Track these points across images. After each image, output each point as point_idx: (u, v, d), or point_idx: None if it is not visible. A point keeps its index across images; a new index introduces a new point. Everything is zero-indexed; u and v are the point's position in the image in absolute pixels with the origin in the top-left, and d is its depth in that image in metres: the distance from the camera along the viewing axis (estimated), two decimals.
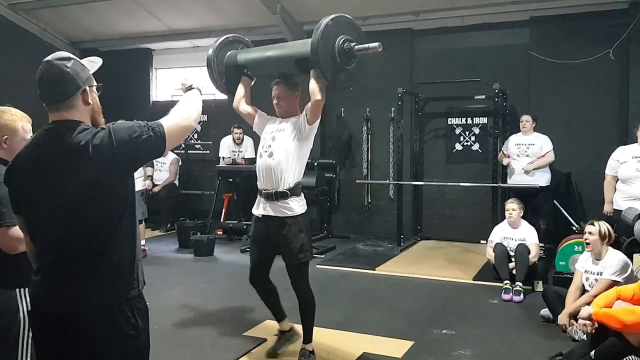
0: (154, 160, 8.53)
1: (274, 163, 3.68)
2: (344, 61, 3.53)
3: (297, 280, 3.78)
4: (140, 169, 7.46)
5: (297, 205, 3.72)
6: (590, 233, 4.29)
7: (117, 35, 9.80)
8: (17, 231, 2.32)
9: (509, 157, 6.96)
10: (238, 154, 8.64)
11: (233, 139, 8.64)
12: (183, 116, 2.13)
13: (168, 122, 2.04)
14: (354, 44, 3.51)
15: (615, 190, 5.50)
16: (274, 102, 3.85)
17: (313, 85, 3.57)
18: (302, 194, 3.81)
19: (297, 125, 3.71)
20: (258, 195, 3.84)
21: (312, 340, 3.84)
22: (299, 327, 3.92)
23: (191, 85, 2.32)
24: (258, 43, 9.49)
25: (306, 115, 3.68)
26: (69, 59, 2.02)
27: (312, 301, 3.81)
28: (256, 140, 8.65)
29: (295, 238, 3.68)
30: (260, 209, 3.80)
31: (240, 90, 4.04)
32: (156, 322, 3.96)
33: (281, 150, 3.69)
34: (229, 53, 4.02)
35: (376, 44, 3.43)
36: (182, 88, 2.34)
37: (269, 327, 4.26)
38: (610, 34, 7.11)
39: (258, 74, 4.11)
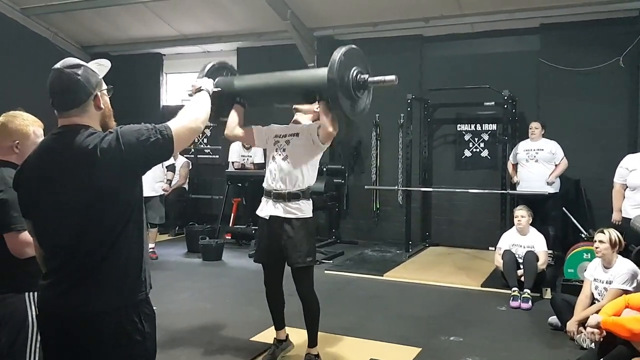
0: (173, 164, 8.61)
1: (290, 166, 3.70)
2: (358, 93, 3.50)
3: (303, 283, 3.77)
4: (161, 174, 7.51)
5: (307, 208, 3.74)
6: (600, 242, 4.27)
7: (128, 40, 9.89)
8: (26, 235, 2.34)
9: (516, 165, 6.95)
10: (247, 159, 8.66)
11: (242, 144, 8.66)
12: (191, 118, 2.14)
13: (176, 124, 2.06)
14: (367, 75, 3.48)
15: (624, 198, 5.47)
16: (294, 111, 3.90)
17: (324, 119, 3.56)
18: (311, 199, 3.83)
19: (310, 135, 3.72)
20: (264, 197, 3.82)
21: (316, 344, 3.85)
22: (297, 333, 3.92)
23: (200, 88, 2.33)
24: (268, 49, 9.60)
25: (318, 134, 3.67)
26: (79, 66, 2.03)
27: (317, 305, 3.81)
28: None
29: (303, 241, 3.69)
30: (267, 209, 3.77)
31: (234, 117, 3.88)
32: (164, 327, 3.98)
33: (297, 154, 3.72)
34: (218, 79, 3.76)
35: (392, 77, 3.38)
36: (191, 91, 2.36)
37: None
38: (620, 42, 7.09)
39: (254, 103, 4.03)
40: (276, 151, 3.79)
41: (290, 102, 3.96)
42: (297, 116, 3.96)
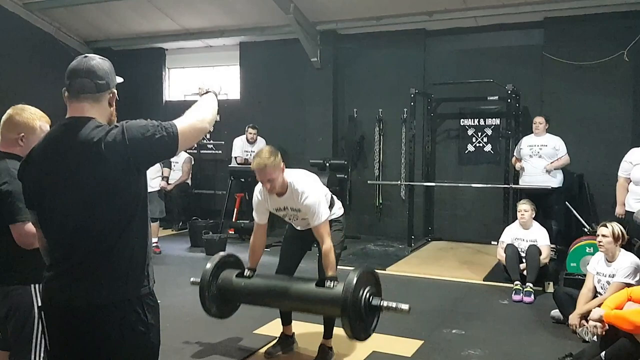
0: (169, 160, 8.58)
1: (307, 223, 3.73)
2: (369, 314, 3.43)
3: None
4: (158, 168, 7.52)
5: (337, 210, 3.96)
6: (603, 235, 4.27)
7: (131, 34, 9.89)
8: (32, 226, 2.35)
9: (520, 160, 6.95)
10: (251, 154, 8.67)
11: (247, 138, 8.67)
12: (197, 118, 2.14)
13: (182, 123, 2.06)
14: (380, 299, 3.44)
15: (628, 192, 5.46)
16: (267, 186, 3.58)
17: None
18: (339, 201, 4.05)
19: (308, 216, 3.67)
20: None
21: (332, 336, 3.89)
22: (303, 326, 3.93)
23: (207, 90, 2.34)
24: (271, 43, 9.59)
25: (314, 225, 3.64)
26: (106, 60, 2.11)
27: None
28: (269, 140, 8.71)
29: (334, 235, 3.78)
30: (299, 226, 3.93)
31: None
32: (167, 320, 3.99)
33: (307, 221, 3.72)
34: (223, 279, 3.82)
35: (406, 306, 3.33)
36: (198, 92, 2.36)
37: (280, 326, 4.28)
38: (625, 35, 7.07)
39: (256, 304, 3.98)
40: (290, 219, 3.89)
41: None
42: (268, 189, 3.66)
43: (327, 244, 3.57)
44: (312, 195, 3.60)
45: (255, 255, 3.89)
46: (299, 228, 3.95)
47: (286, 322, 4.07)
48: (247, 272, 3.83)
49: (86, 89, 2.03)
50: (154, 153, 2.02)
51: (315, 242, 3.83)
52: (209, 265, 3.83)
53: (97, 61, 2.06)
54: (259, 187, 3.76)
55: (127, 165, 1.95)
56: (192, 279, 4.03)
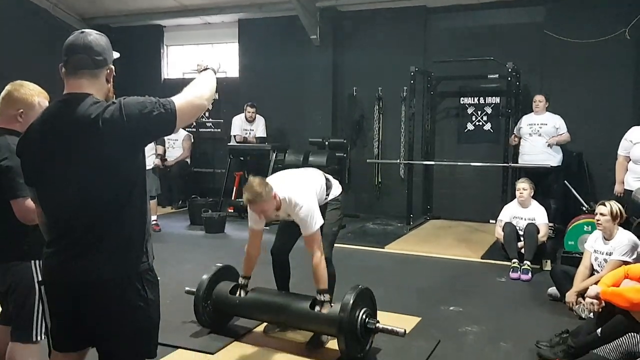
0: (165, 138, 8.52)
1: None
2: (365, 335, 3.46)
3: (326, 249, 3.83)
4: (152, 146, 7.49)
5: (335, 192, 3.99)
6: (602, 214, 4.28)
7: (128, 11, 9.78)
8: (33, 202, 2.36)
9: (519, 138, 6.95)
10: (250, 132, 8.66)
11: (245, 116, 8.65)
12: (196, 94, 2.12)
13: (180, 100, 2.04)
14: (376, 321, 3.48)
15: (627, 170, 5.47)
16: (260, 216, 3.63)
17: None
18: (336, 180, 4.11)
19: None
20: None
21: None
22: None
23: (206, 66, 2.32)
24: (270, 20, 9.48)
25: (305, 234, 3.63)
26: (103, 35, 2.09)
27: (333, 272, 3.88)
28: (268, 119, 8.67)
29: (332, 214, 3.91)
30: None
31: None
32: (168, 296, 4.03)
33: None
34: (220, 288, 3.89)
35: (402, 330, 3.37)
36: (197, 69, 2.34)
37: None
38: (626, 13, 7.02)
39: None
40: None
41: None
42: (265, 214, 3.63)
43: (317, 257, 3.54)
44: (306, 206, 3.56)
45: (250, 263, 3.87)
46: None
47: None
48: (241, 281, 3.85)
49: (84, 65, 2.02)
50: (152, 130, 2.01)
51: None
52: (204, 277, 3.92)
53: (95, 37, 2.05)
54: None
55: (125, 142, 1.95)
56: (186, 289, 4.08)
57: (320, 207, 3.74)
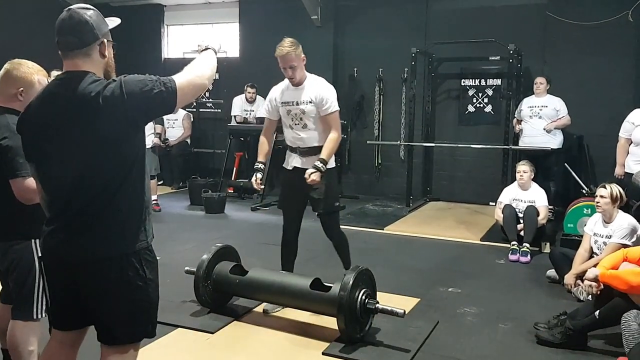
0: (164, 118, 8.48)
1: (310, 133, 3.95)
2: (364, 316, 3.49)
3: (331, 226, 4.10)
4: (151, 125, 7.47)
5: (331, 159, 3.97)
6: (602, 196, 4.28)
7: None
8: (32, 182, 2.36)
9: (520, 122, 6.94)
10: (250, 113, 8.63)
11: (245, 97, 8.62)
12: (197, 74, 2.11)
13: (181, 79, 2.03)
14: (375, 302, 3.49)
15: (628, 153, 5.46)
16: (288, 74, 3.88)
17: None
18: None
19: (317, 105, 3.89)
20: (289, 151, 4.10)
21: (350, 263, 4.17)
22: None
23: (207, 46, 2.30)
24: (271, 0, 9.34)
25: (323, 112, 3.89)
26: (91, 9, 2.05)
27: (345, 239, 4.21)
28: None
29: (329, 189, 3.97)
30: (293, 162, 4.05)
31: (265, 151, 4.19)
32: (168, 275, 4.04)
33: (312, 122, 3.93)
34: (220, 268, 3.92)
35: (401, 310, 3.40)
36: (197, 49, 2.33)
37: None
38: None
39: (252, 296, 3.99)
40: (292, 120, 3.99)
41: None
42: (290, 78, 3.93)
43: (336, 133, 3.89)
44: (330, 87, 3.94)
45: (263, 149, 4.16)
46: (293, 150, 4.05)
47: None
48: (257, 165, 4.11)
49: (72, 45, 2.01)
50: (152, 108, 2.00)
51: (308, 197, 3.98)
52: (205, 257, 3.93)
53: (79, 14, 2.01)
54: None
55: (125, 120, 1.95)
56: (186, 268, 4.09)
57: None
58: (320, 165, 3.79)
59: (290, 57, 3.79)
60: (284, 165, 4.15)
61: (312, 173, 3.76)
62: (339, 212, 4.18)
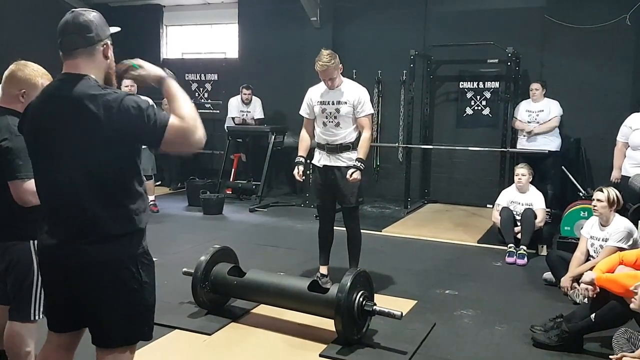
0: None
1: (340, 131, 4.29)
2: (361, 318, 3.50)
3: (351, 219, 4.45)
4: None
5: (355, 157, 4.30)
6: (599, 200, 4.29)
7: None
8: (30, 184, 2.36)
9: (521, 121, 6.96)
10: (247, 114, 8.63)
11: (241, 99, 8.62)
12: (197, 127, 2.04)
13: (174, 122, 1.97)
14: (373, 304, 3.50)
15: (625, 157, 5.46)
16: (328, 84, 4.27)
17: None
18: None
19: (354, 104, 4.27)
20: (317, 149, 4.42)
21: (358, 264, 4.41)
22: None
23: (162, 76, 2.16)
24: (270, 1, 9.36)
25: (359, 115, 4.28)
26: (93, 11, 2.07)
27: (360, 237, 4.52)
28: (263, 102, 8.62)
29: (355, 185, 4.27)
30: (322, 160, 4.37)
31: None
32: (165, 277, 4.06)
33: (345, 121, 4.28)
34: (218, 269, 3.93)
35: (398, 312, 3.42)
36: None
37: None
38: None
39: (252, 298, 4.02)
40: (326, 118, 4.31)
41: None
42: (329, 86, 4.30)
43: (368, 134, 4.28)
44: (364, 91, 4.35)
45: (304, 144, 4.52)
46: (324, 144, 4.35)
47: (324, 262, 4.59)
48: (298, 159, 4.46)
49: (76, 44, 2.02)
50: (136, 138, 2.00)
51: (338, 197, 4.36)
52: (202, 258, 3.93)
53: (84, 15, 2.03)
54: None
55: (115, 136, 1.94)
56: (184, 270, 4.09)
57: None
58: (359, 164, 4.20)
59: (330, 71, 4.17)
60: (313, 162, 4.45)
61: (353, 172, 4.16)
62: (359, 207, 4.47)
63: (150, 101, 2.00)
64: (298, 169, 4.43)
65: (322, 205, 4.53)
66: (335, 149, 4.30)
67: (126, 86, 7.37)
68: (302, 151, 4.52)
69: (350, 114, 4.25)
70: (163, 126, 1.94)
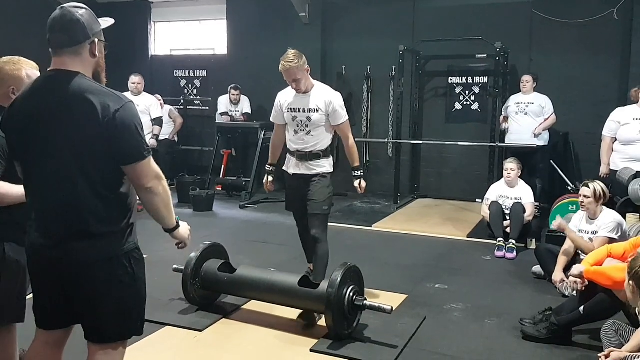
0: (160, 118, 8.28)
1: (312, 139, 4.04)
2: (352, 313, 3.51)
3: (316, 227, 4.07)
4: (149, 125, 7.37)
5: (327, 165, 4.12)
6: (585, 196, 4.33)
7: None
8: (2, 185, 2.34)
9: (507, 119, 7.00)
10: (235, 114, 8.61)
11: (230, 99, 8.60)
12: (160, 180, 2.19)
13: (153, 167, 2.11)
14: (363, 299, 3.52)
15: (613, 152, 5.46)
16: (293, 86, 4.00)
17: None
18: (331, 156, 4.21)
19: (327, 111, 4.01)
20: (289, 155, 4.18)
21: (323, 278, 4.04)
22: None
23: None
24: None
25: (335, 123, 4.05)
26: (83, 8, 2.05)
27: (326, 249, 4.12)
28: (252, 98, 8.60)
29: (321, 193, 4.05)
30: (292, 168, 4.15)
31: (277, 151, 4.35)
32: (155, 274, 4.04)
33: (317, 129, 4.03)
34: (208, 266, 3.94)
35: (388, 307, 3.43)
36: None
37: None
38: None
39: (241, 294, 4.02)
40: (297, 126, 4.06)
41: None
42: (295, 89, 4.04)
43: (351, 140, 4.15)
44: (338, 96, 4.05)
45: (275, 152, 4.33)
46: (295, 152, 4.11)
47: (311, 260, 4.31)
48: (268, 167, 4.33)
49: (62, 43, 2.01)
50: (119, 159, 2.01)
51: (306, 203, 4.05)
52: (193, 255, 3.93)
53: (72, 12, 2.01)
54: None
55: (103, 141, 1.95)
56: (174, 266, 4.08)
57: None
58: (359, 173, 4.22)
59: (293, 71, 3.89)
60: (284, 168, 4.24)
61: (359, 183, 4.21)
62: (327, 216, 4.14)
63: (155, 101, 2.00)
64: (266, 178, 4.34)
65: (295, 213, 4.30)
66: (305, 156, 4.06)
67: (133, 83, 7.37)
68: (272, 159, 4.36)
69: (323, 122, 4.00)
70: (140, 155, 2.02)
